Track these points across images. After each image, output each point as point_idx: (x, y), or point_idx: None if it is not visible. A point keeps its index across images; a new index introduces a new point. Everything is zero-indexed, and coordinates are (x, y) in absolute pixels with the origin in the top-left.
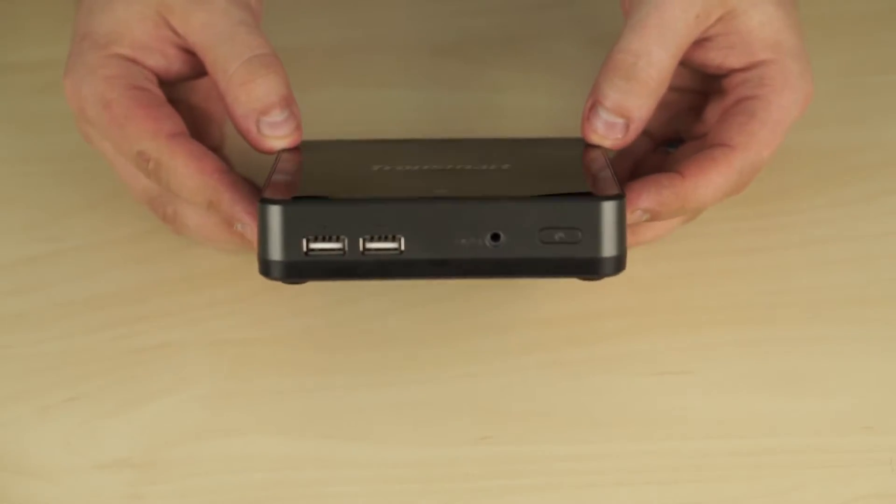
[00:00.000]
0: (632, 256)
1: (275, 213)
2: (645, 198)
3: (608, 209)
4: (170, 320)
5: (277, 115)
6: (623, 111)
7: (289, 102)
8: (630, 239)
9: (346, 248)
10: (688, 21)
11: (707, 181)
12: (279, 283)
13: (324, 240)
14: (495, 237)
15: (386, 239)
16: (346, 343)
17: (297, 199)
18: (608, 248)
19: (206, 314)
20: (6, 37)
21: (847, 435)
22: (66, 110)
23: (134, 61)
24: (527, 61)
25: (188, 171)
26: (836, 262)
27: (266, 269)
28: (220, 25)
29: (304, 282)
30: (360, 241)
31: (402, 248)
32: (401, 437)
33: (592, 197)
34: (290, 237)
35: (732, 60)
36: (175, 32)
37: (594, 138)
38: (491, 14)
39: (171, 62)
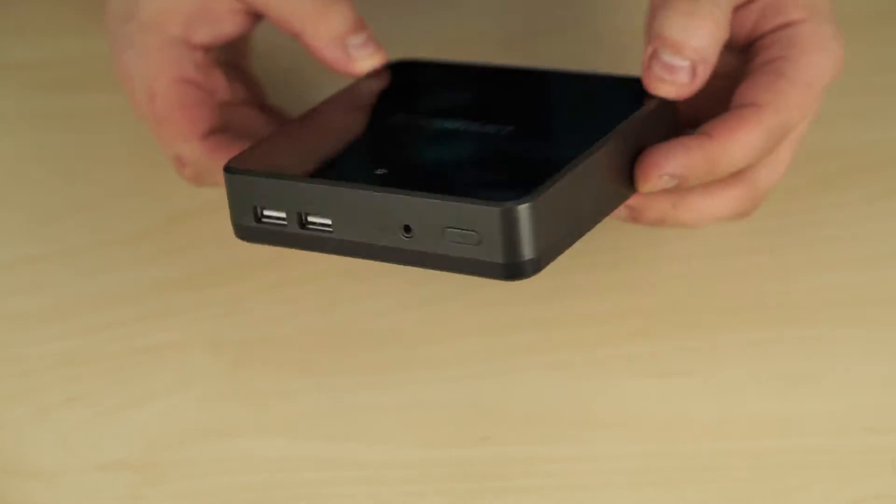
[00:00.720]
0: (632, 257)
1: (229, 181)
2: (673, 162)
3: (505, 215)
4: (170, 320)
5: (360, 38)
6: (689, 52)
7: (364, 25)
8: (633, 216)
9: (288, 221)
10: None
11: (735, 140)
12: (279, 283)
13: (273, 209)
14: (407, 229)
15: (320, 216)
16: (346, 343)
17: (246, 171)
18: (509, 254)
19: (206, 314)
20: (6, 36)
21: (849, 436)
22: (66, 110)
23: (185, 42)
24: (527, 61)
25: None
26: (839, 262)
27: (234, 230)
28: None
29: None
30: (301, 214)
31: (332, 227)
32: (401, 437)
33: (489, 201)
34: (243, 204)
35: (765, 22)
36: None
37: (660, 88)
38: (491, 14)
39: (221, 27)
